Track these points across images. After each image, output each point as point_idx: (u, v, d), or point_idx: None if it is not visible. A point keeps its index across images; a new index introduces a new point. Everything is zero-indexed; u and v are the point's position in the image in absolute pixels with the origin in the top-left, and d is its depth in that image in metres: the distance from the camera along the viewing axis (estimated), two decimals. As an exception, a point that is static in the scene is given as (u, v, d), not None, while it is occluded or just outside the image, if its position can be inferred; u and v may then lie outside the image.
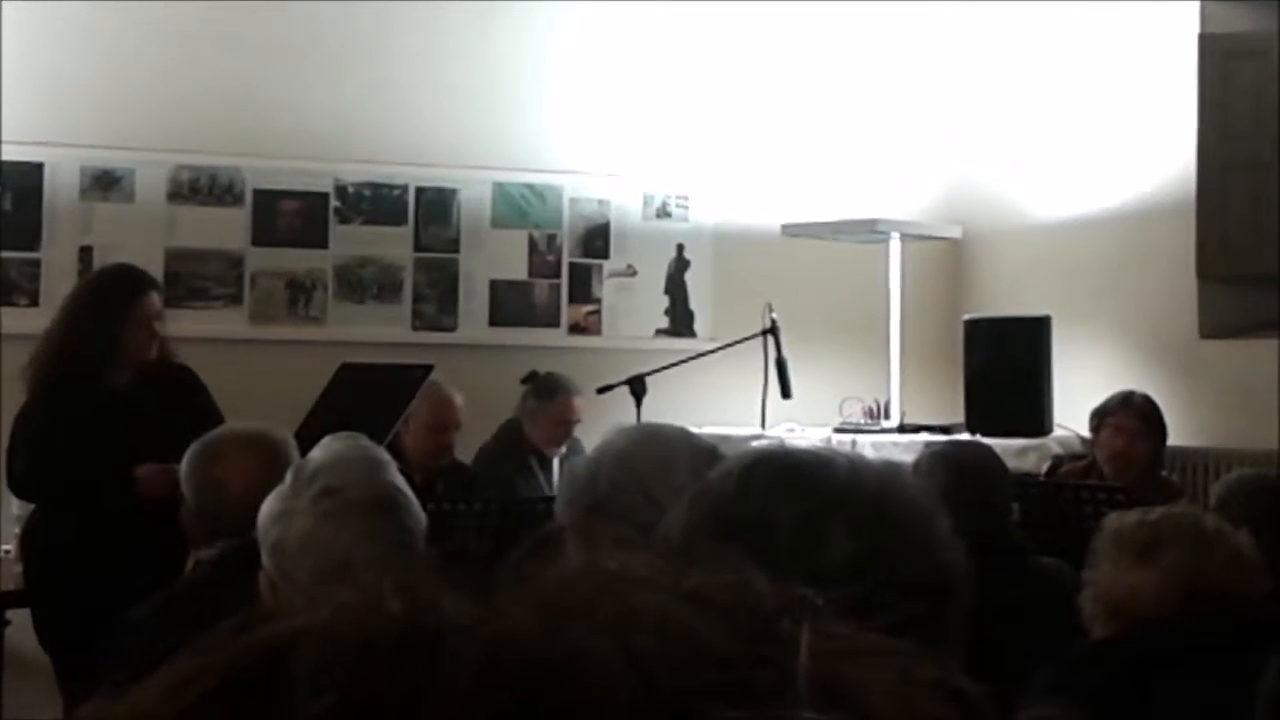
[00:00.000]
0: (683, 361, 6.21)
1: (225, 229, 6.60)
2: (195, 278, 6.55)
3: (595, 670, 0.48)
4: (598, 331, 7.11)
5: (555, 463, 5.93)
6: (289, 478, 2.31)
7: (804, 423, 6.39)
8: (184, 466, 3.09)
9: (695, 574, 0.54)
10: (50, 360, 4.63)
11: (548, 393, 5.93)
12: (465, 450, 5.76)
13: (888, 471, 1.29)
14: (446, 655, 0.49)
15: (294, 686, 0.49)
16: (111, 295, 4.73)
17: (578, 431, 5.92)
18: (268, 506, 2.28)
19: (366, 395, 4.96)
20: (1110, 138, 6.87)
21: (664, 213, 7.23)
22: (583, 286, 7.11)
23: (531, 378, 6.01)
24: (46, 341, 4.69)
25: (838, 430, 6.35)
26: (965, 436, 5.90)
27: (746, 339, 6.28)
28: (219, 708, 0.50)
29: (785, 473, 1.25)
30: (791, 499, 1.22)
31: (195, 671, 0.51)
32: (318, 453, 2.35)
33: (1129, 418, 5.31)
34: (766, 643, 0.51)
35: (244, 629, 0.52)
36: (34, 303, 6.25)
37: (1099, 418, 5.38)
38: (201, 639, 0.52)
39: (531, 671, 0.48)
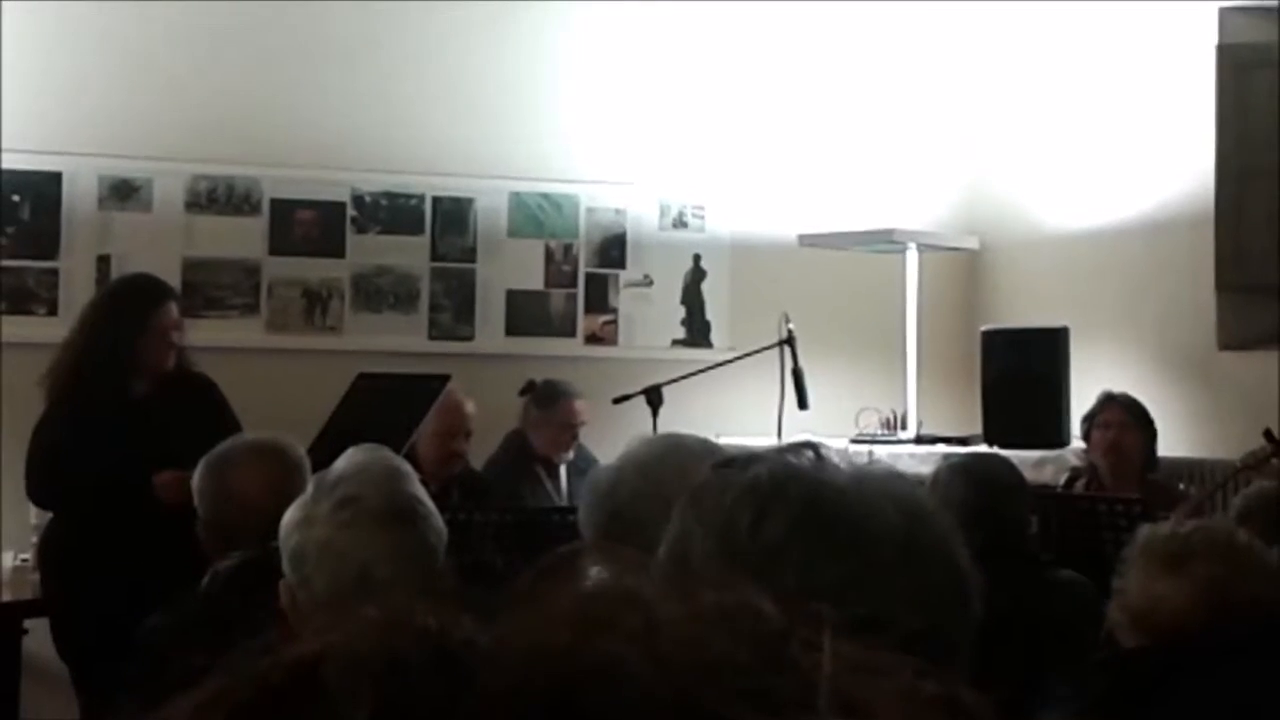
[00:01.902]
0: (699, 372, 6.20)
1: (242, 238, 6.61)
2: (212, 287, 6.56)
3: (626, 676, 0.49)
4: (614, 341, 7.10)
5: (562, 470, 5.95)
6: (311, 486, 2.32)
7: (821, 434, 6.37)
8: (196, 478, 3.10)
9: (709, 593, 0.55)
10: (69, 370, 4.65)
11: (549, 399, 5.96)
12: (478, 460, 5.77)
13: (918, 510, 1.26)
14: (479, 667, 0.49)
15: (326, 702, 0.49)
16: (130, 305, 4.75)
17: (583, 437, 5.94)
18: (289, 515, 2.29)
19: (383, 405, 4.97)
20: (1128, 148, 6.85)
21: (680, 222, 7.22)
22: (599, 296, 7.11)
23: (530, 388, 6.03)
24: (65, 351, 4.71)
25: (854, 441, 6.34)
26: (983, 448, 5.89)
27: (763, 349, 6.27)
28: None
29: (825, 531, 1.21)
30: (831, 559, 1.19)
31: (227, 687, 0.51)
32: (341, 463, 2.36)
33: (1113, 412, 5.44)
34: (784, 654, 0.52)
35: (271, 645, 0.52)
36: (52, 312, 6.27)
37: (1087, 422, 5.48)
38: (229, 656, 0.52)
39: (565, 679, 0.49)
